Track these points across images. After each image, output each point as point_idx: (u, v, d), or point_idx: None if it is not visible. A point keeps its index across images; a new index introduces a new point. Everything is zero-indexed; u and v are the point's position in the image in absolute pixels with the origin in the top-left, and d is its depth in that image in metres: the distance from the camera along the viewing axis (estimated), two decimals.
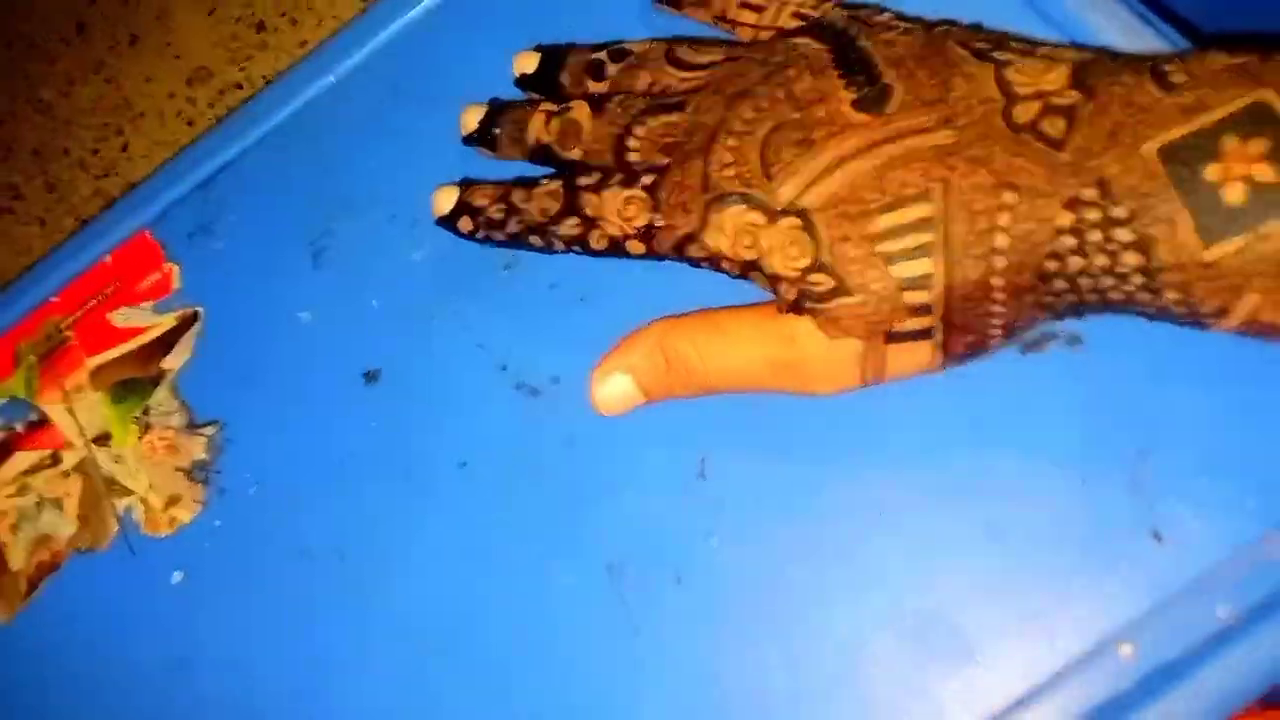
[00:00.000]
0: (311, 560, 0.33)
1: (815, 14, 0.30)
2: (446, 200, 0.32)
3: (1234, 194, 0.21)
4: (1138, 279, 0.22)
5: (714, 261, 0.27)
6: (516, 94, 0.34)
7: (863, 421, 0.28)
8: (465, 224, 0.32)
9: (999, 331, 0.25)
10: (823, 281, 0.25)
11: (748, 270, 0.26)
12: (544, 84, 0.33)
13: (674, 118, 0.28)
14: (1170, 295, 0.22)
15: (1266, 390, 0.25)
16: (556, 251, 0.30)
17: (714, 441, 0.29)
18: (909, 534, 0.27)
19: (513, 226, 0.30)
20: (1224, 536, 0.24)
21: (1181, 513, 0.25)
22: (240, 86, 1.05)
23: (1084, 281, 0.23)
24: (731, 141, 0.27)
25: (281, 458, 0.34)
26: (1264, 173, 0.20)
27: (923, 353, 0.25)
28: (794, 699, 0.27)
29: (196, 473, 0.36)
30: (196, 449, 0.36)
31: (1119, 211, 0.22)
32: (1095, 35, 0.29)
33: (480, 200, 0.31)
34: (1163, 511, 0.25)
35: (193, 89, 1.05)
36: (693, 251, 0.27)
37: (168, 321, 0.38)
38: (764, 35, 0.31)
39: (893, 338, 0.25)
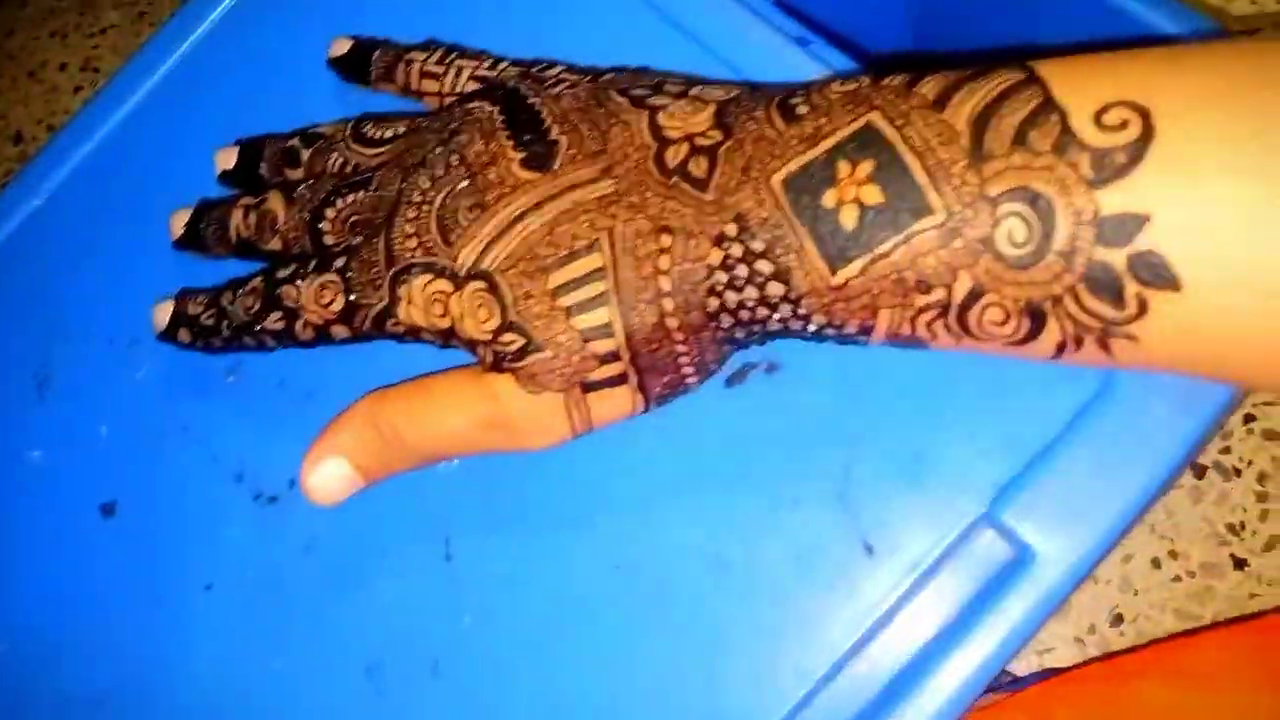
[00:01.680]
0: (74, 710, 0.31)
1: (492, 74, 0.30)
2: (163, 315, 0.31)
3: (848, 217, 0.21)
4: (786, 308, 0.23)
5: (415, 334, 0.27)
6: (226, 193, 0.33)
7: (586, 476, 0.28)
8: (184, 335, 0.31)
9: (691, 370, 0.25)
10: (513, 340, 0.25)
11: (448, 339, 0.26)
12: (246, 178, 0.33)
13: (360, 195, 0.28)
14: (817, 319, 0.22)
15: (949, 391, 0.25)
16: (271, 349, 0.30)
17: (455, 521, 0.29)
18: (645, 583, 0.27)
19: (225, 331, 0.30)
20: (931, 538, 0.25)
21: (889, 521, 0.25)
22: None
23: (744, 314, 0.23)
24: (411, 213, 0.26)
25: (28, 608, 0.33)
26: (872, 194, 0.21)
27: (623, 398, 0.25)
28: None
29: None
30: None
31: (757, 245, 0.22)
32: (755, 68, 0.29)
33: (194, 309, 0.31)
34: (871, 522, 0.25)
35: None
36: (391, 327, 0.27)
37: None
38: (448, 102, 0.31)
39: (589, 387, 0.25)
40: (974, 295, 0.21)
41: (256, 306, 0.29)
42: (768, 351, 0.27)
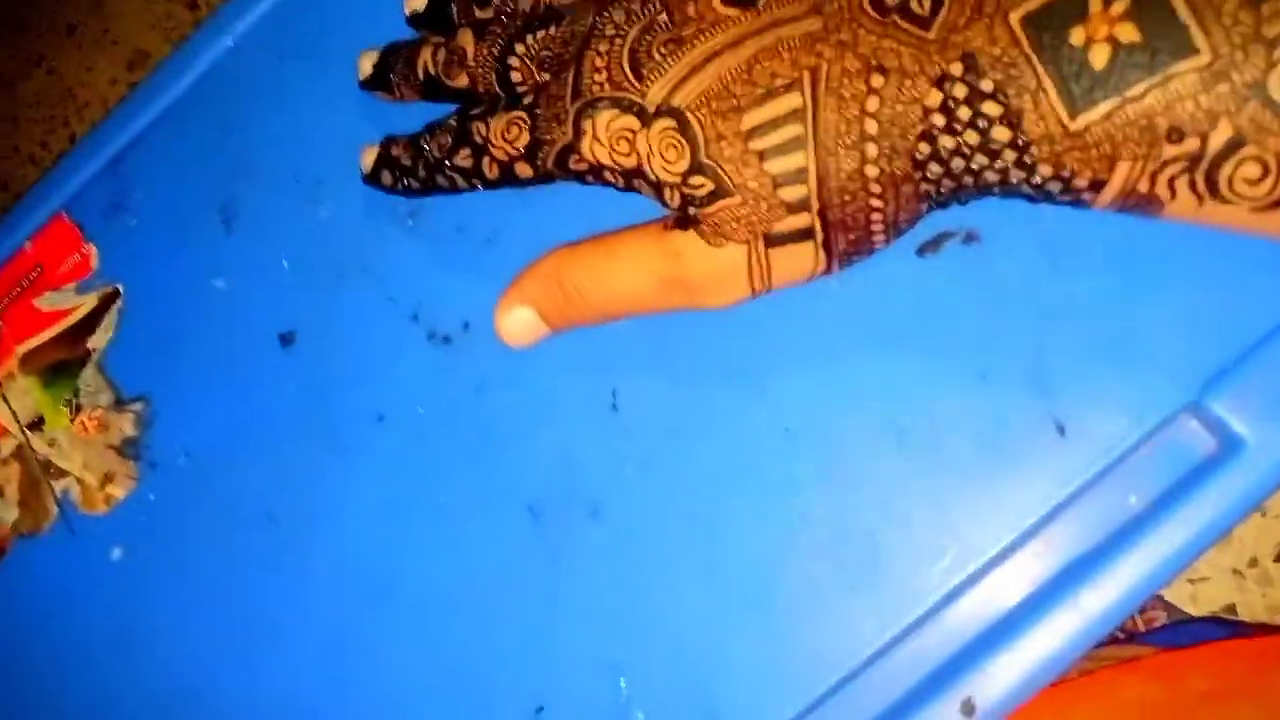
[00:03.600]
0: (243, 525, 0.33)
1: None
2: (369, 158, 0.32)
3: (1098, 56, 0.20)
4: (1010, 155, 0.21)
5: (598, 174, 0.26)
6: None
7: (766, 336, 0.27)
8: (386, 178, 0.31)
9: (880, 227, 0.24)
10: (702, 184, 0.24)
11: (631, 179, 0.26)
12: (435, 21, 0.33)
13: (552, 31, 0.28)
14: (1043, 170, 0.21)
15: (1160, 271, 0.24)
16: (461, 189, 0.30)
17: (624, 372, 0.29)
18: (816, 446, 0.26)
19: (420, 170, 0.30)
20: (1129, 424, 0.24)
21: (1085, 403, 0.24)
22: None
23: (957, 163, 0.22)
24: (602, 46, 0.26)
25: (207, 427, 0.34)
26: (1127, 32, 0.20)
27: (806, 255, 0.24)
28: (712, 620, 0.26)
29: (127, 449, 0.35)
30: (126, 425, 0.36)
31: (986, 85, 0.21)
32: None
33: (396, 150, 0.31)
34: (1065, 403, 0.24)
35: (133, 73, 1.05)
36: (574, 165, 0.26)
37: (90, 302, 0.38)
38: None
39: (774, 240, 0.24)
40: (1232, 146, 0.19)
41: (449, 143, 0.29)
42: (966, 219, 0.26)
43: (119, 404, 0.36)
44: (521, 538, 0.29)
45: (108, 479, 0.36)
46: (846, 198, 0.23)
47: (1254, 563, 0.68)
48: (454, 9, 0.32)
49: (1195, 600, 0.67)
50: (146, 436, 0.35)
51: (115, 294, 0.37)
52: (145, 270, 0.37)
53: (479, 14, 0.31)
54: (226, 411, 0.34)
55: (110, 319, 0.37)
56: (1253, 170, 0.19)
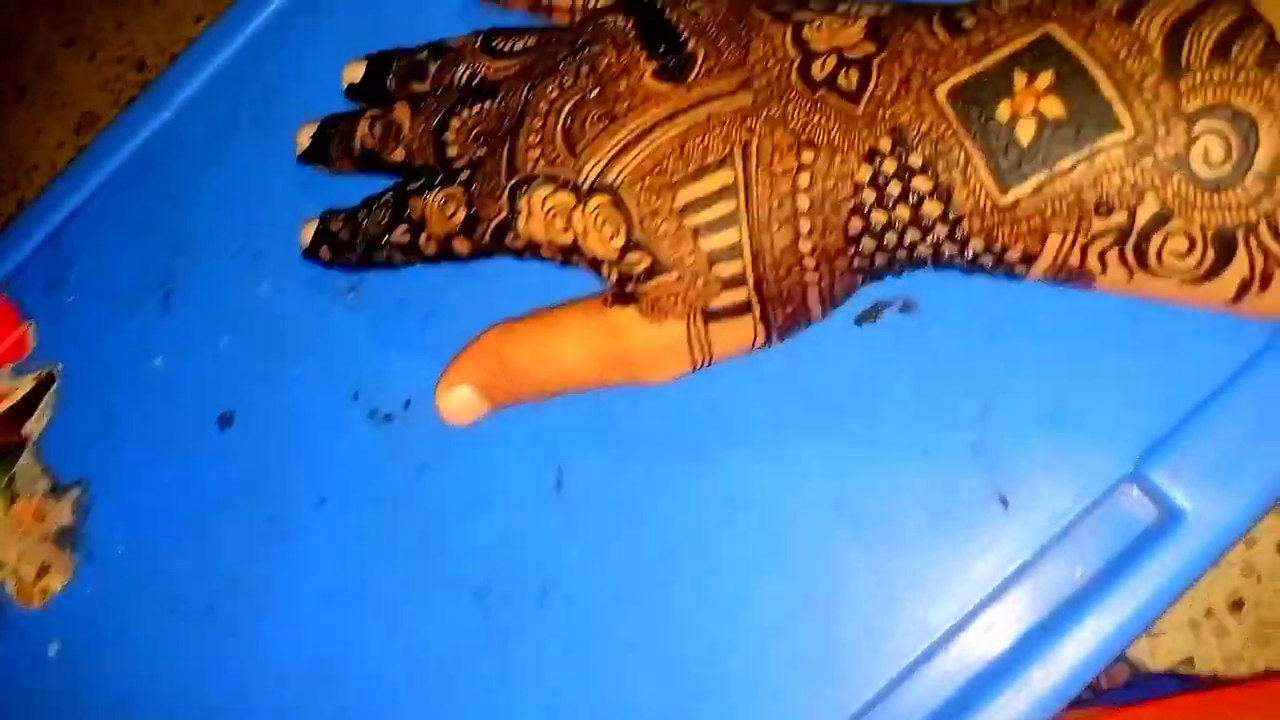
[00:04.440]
0: (183, 617, 0.32)
1: None
2: (308, 232, 0.31)
3: (1025, 131, 0.20)
4: (941, 229, 0.21)
5: (535, 250, 0.26)
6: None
7: (708, 410, 0.27)
8: (325, 253, 0.31)
9: (816, 300, 0.24)
10: (639, 261, 0.24)
11: (569, 255, 0.25)
12: (373, 92, 0.32)
13: (486, 106, 0.28)
14: (975, 244, 0.21)
15: (1096, 340, 0.24)
16: (399, 265, 0.29)
17: (568, 449, 0.28)
18: (761, 522, 0.26)
19: (359, 245, 0.30)
20: (1072, 495, 0.24)
21: (1027, 475, 0.24)
22: None
23: (890, 237, 0.22)
24: (536, 122, 0.26)
25: (145, 514, 0.33)
26: (1052, 106, 0.20)
27: (745, 329, 0.24)
28: (661, 706, 0.26)
29: (64, 539, 0.34)
30: (63, 514, 0.35)
31: (915, 160, 0.21)
32: None
33: (335, 225, 0.31)
34: (1008, 475, 0.24)
35: (80, 136, 1.04)
36: (511, 242, 0.26)
37: (27, 384, 0.37)
38: (581, 17, 0.30)
39: (712, 316, 0.24)
40: (1159, 220, 0.19)
41: (386, 218, 0.29)
42: (903, 289, 0.26)
43: (56, 490, 0.35)
44: (468, 623, 0.28)
45: (44, 571, 0.34)
46: (782, 272, 0.23)
47: (1209, 614, 0.68)
48: (391, 82, 0.32)
49: (1154, 654, 0.67)
50: (84, 525, 0.34)
51: (52, 376, 0.36)
52: (83, 349, 0.36)
53: (415, 87, 0.31)
54: (165, 497, 0.33)
55: (48, 402, 0.36)
56: (1180, 244, 0.19)
